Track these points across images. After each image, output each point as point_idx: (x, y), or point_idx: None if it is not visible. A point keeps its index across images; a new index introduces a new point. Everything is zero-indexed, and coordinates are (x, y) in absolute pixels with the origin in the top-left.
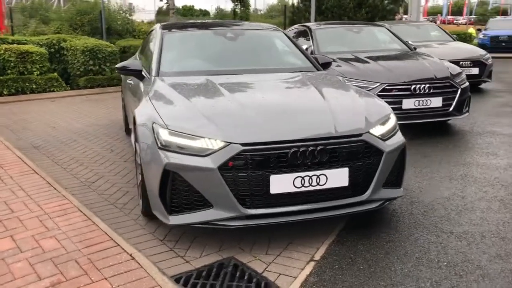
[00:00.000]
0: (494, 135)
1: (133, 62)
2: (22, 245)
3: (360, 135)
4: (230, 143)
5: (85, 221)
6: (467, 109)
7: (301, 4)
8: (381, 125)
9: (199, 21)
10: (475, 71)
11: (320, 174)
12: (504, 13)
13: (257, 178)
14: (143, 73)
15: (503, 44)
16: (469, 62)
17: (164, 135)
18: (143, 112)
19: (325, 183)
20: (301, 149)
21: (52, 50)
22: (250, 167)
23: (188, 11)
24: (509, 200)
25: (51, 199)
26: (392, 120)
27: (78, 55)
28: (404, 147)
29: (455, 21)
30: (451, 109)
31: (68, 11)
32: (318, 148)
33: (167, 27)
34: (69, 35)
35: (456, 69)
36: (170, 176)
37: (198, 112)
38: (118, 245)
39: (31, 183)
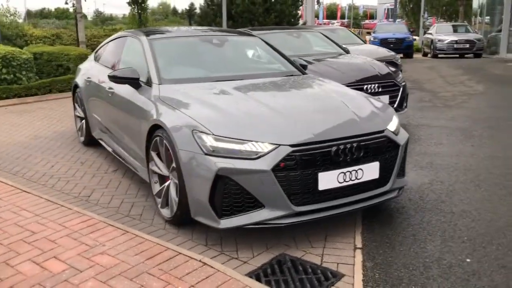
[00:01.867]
0: (430, 127)
1: (128, 70)
2: (76, 265)
3: (382, 131)
4: (279, 145)
5: (125, 235)
6: (405, 105)
7: (208, 9)
8: (391, 121)
9: (172, 27)
10: None
11: (358, 169)
12: (371, 17)
13: (307, 176)
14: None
15: (391, 45)
16: (384, 62)
17: (210, 141)
18: (173, 119)
19: (362, 176)
20: (341, 147)
21: None
22: (300, 167)
23: (62, 13)
24: (479, 181)
25: (67, 217)
26: (396, 116)
27: None
28: (408, 141)
29: (330, 24)
30: (395, 105)
31: None
32: (355, 145)
33: (149, 34)
34: None
35: (392, 68)
36: (222, 180)
37: (235, 117)
38: (180, 253)
39: (29, 203)
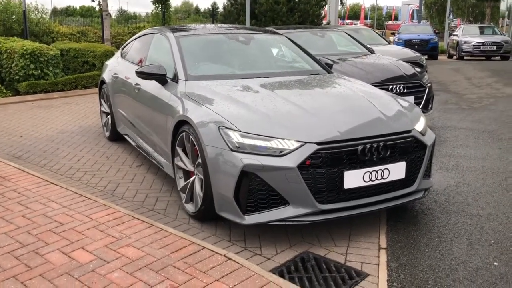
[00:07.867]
0: (455, 129)
1: (155, 66)
2: (103, 256)
3: (409, 131)
4: (306, 142)
5: (150, 228)
6: (431, 106)
7: (231, 8)
8: (419, 122)
9: (198, 25)
10: None
11: (384, 169)
12: (395, 17)
13: (333, 174)
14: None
15: (416, 46)
16: (409, 63)
17: (236, 138)
18: (199, 115)
19: (388, 176)
20: (367, 146)
21: None
22: (326, 165)
23: (87, 11)
24: (506, 184)
25: (93, 209)
26: (423, 117)
27: (17, 58)
28: (434, 141)
29: (353, 25)
30: (420, 106)
31: None
32: (381, 144)
33: (176, 31)
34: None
35: (417, 69)
36: (247, 176)
37: (261, 114)
38: (204, 247)
39: (57, 195)
